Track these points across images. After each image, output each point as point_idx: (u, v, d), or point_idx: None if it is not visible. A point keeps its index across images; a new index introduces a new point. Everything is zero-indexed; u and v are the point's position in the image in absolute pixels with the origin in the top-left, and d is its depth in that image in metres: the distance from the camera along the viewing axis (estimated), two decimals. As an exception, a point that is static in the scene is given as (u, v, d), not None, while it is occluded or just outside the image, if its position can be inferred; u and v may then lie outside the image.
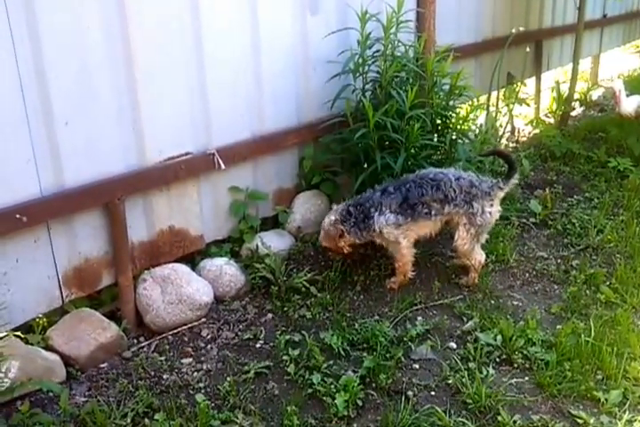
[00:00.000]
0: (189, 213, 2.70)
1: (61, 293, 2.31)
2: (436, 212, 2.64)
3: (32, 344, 2.18)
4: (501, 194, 2.72)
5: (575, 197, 3.74)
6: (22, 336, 2.16)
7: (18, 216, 2.08)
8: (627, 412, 2.03)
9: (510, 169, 2.71)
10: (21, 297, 2.19)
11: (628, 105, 4.49)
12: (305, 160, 3.13)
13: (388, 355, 2.28)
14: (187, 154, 2.61)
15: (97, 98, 2.27)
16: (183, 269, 2.61)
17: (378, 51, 3.07)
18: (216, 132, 2.72)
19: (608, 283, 2.79)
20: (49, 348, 2.22)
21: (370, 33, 2.98)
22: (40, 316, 2.25)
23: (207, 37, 2.59)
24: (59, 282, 2.30)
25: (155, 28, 2.40)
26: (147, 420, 2.01)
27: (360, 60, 3.00)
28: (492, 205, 2.69)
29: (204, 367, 2.28)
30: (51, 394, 2.11)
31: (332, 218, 2.67)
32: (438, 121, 3.18)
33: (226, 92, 2.73)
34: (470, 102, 3.48)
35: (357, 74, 3.04)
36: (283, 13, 2.90)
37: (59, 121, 2.18)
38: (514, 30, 4.16)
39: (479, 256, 2.76)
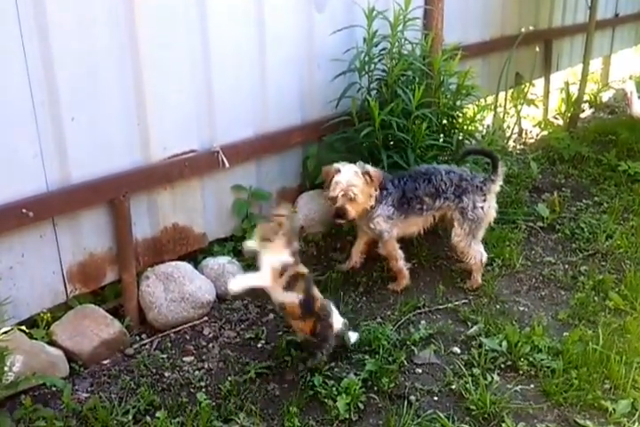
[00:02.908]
0: (193, 210, 2.69)
1: (66, 288, 2.32)
2: (427, 207, 2.67)
3: (36, 339, 2.19)
4: (495, 187, 2.74)
5: (584, 201, 3.70)
6: (27, 331, 2.18)
7: (24, 211, 2.08)
8: (636, 423, 2.00)
9: (493, 160, 2.72)
10: (26, 292, 2.19)
11: (640, 107, 4.44)
12: (309, 159, 3.11)
13: (390, 358, 2.27)
14: (191, 151, 2.60)
15: (103, 94, 2.26)
16: (186, 267, 2.60)
17: (384, 49, 3.04)
18: (220, 130, 2.71)
19: (617, 289, 2.76)
20: (53, 343, 2.23)
21: (376, 31, 2.95)
22: (44, 311, 2.26)
23: (213, 32, 2.57)
24: (63, 277, 2.30)
25: (161, 23, 2.38)
26: (148, 417, 2.01)
27: (366, 58, 2.97)
28: (484, 200, 2.70)
29: (206, 366, 2.28)
30: (54, 389, 2.12)
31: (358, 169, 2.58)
32: (445, 121, 3.16)
33: (231, 89, 2.71)
34: (477, 102, 3.45)
35: (363, 72, 3.01)
36: (289, 9, 2.87)
37: (65, 117, 2.17)
38: (523, 29, 4.11)
39: (479, 255, 2.74)
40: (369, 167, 2.57)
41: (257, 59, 2.80)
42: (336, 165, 2.59)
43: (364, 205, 2.56)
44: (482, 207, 2.69)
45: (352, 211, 2.54)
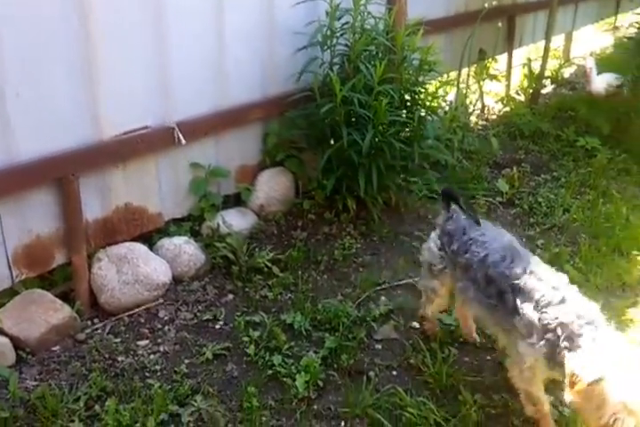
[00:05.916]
0: (148, 189, 2.59)
1: (11, 273, 2.20)
2: None
3: (-21, 327, 2.09)
4: None
5: (543, 176, 3.74)
6: (-31, 319, 2.08)
7: (-35, 192, 1.96)
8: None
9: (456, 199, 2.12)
10: (-33, 278, 2.08)
11: (599, 83, 4.48)
12: (269, 136, 3.03)
13: (350, 335, 2.26)
14: (145, 128, 2.48)
15: (50, 67, 2.12)
16: (140, 248, 2.51)
17: (347, 23, 2.95)
18: (176, 105, 2.58)
19: (572, 262, 2.81)
20: (-2, 331, 2.13)
21: (339, 4, 2.86)
22: (-13, 297, 2.16)
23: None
24: (8, 261, 2.18)
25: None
26: (100, 404, 1.94)
27: (328, 33, 2.89)
28: None
29: (161, 349, 2.22)
30: (-1, 378, 2.03)
31: None
32: (407, 97, 3.11)
33: (187, 62, 2.58)
34: (440, 78, 3.42)
35: (325, 46, 2.92)
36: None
37: (10, 92, 2.03)
38: (487, 5, 4.07)
39: None
40: None
41: (214, 30, 2.66)
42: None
43: None
44: None
45: None
